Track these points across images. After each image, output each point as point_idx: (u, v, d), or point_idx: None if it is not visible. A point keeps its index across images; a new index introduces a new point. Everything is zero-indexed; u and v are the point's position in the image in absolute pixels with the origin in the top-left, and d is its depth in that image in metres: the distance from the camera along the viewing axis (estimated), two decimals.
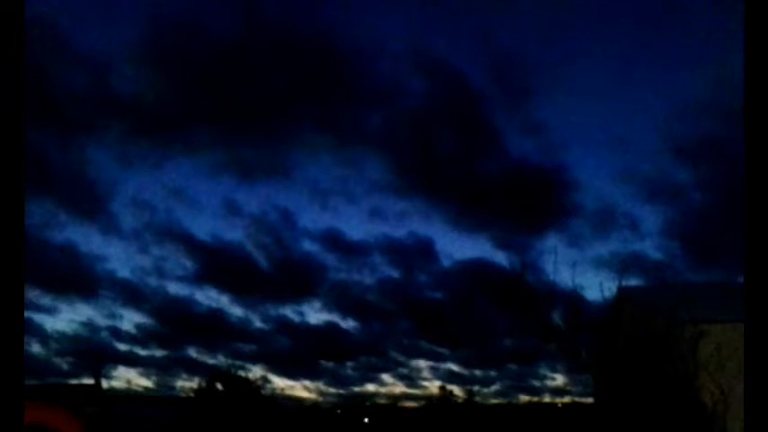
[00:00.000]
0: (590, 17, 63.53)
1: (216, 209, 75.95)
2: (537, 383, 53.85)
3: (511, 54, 69.03)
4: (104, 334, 55.00)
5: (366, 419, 52.52)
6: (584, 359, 17.81)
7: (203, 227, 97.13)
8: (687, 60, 66.86)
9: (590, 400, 25.69)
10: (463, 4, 64.92)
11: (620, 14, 63.36)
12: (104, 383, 38.94)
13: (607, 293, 17.33)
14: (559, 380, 43.86)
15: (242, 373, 38.41)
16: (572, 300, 17.44)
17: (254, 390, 38.23)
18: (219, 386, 37.71)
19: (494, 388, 53.98)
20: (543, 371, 47.73)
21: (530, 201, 51.92)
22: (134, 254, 77.75)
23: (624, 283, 17.80)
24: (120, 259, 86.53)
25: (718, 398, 13.94)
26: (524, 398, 48.07)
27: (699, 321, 14.88)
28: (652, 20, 64.36)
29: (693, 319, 14.85)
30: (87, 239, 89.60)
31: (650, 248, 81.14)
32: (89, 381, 37.51)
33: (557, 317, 19.04)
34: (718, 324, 15.08)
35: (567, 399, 39.71)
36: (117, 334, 54.58)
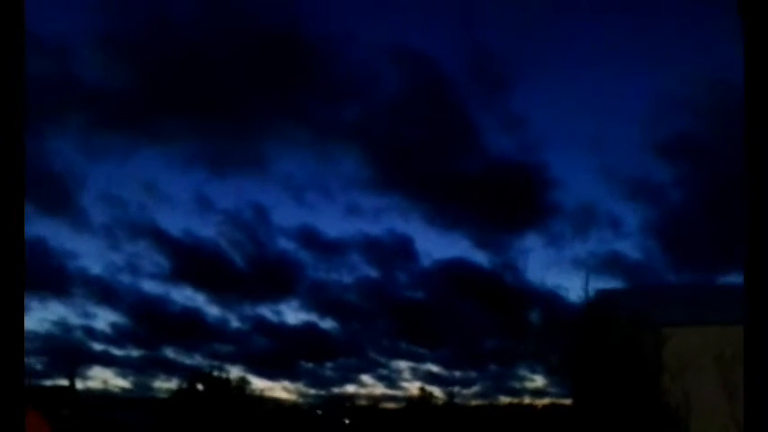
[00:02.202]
0: (569, 12, 63.77)
1: (188, 204, 74.64)
2: (517, 385, 54.13)
3: (490, 48, 69.13)
4: (78, 333, 53.96)
5: (347, 420, 52.44)
6: (557, 361, 18.07)
7: (176, 222, 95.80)
8: (667, 57, 67.58)
9: (569, 401, 25.90)
10: None
11: (600, 10, 63.71)
12: (80, 384, 38.42)
13: (585, 295, 17.55)
14: (539, 381, 44.14)
15: (222, 374, 38.18)
16: (549, 300, 17.65)
17: (236, 390, 38.03)
18: (200, 387, 37.43)
19: (474, 389, 54.10)
20: (523, 372, 47.94)
21: (509, 199, 51.93)
22: (106, 250, 76.08)
23: (602, 284, 18.13)
24: (91, 255, 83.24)
25: (681, 399, 14.21)
26: (504, 399, 48.32)
27: (661, 326, 15.15)
28: (632, 16, 65.13)
29: (656, 324, 15.13)
30: (57, 235, 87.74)
31: (629, 248, 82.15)
32: (63, 382, 36.96)
33: (534, 317, 19.25)
34: (680, 328, 15.32)
35: (546, 400, 39.97)
36: (91, 333, 53.66)
